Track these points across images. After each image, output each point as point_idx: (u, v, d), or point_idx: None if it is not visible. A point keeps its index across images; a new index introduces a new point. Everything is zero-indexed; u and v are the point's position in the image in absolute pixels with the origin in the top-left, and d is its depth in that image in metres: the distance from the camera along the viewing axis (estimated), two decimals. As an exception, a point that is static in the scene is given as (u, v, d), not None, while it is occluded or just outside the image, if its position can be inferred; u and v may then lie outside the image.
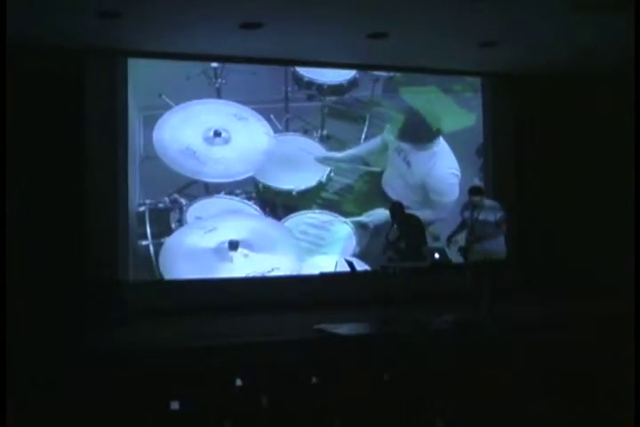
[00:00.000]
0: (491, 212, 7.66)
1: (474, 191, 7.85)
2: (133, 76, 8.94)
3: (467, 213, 7.79)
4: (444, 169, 10.14)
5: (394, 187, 9.94)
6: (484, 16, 7.55)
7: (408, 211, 8.55)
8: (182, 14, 7.37)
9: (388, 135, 10.00)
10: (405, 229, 8.01)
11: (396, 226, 8.11)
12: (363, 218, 9.78)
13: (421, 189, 10.02)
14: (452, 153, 10.18)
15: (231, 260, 9.23)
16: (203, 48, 8.74)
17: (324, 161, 9.73)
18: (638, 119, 8.95)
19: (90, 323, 7.67)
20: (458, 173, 10.17)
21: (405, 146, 10.03)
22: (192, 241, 9.14)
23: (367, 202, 9.85)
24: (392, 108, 10.06)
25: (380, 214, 9.66)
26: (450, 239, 7.87)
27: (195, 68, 9.25)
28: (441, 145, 10.15)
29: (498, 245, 7.67)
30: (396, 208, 8.23)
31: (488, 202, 7.91)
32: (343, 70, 9.90)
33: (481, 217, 7.61)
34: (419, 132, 10.11)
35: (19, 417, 3.77)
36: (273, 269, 9.35)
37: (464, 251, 7.73)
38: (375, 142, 9.97)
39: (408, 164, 10.02)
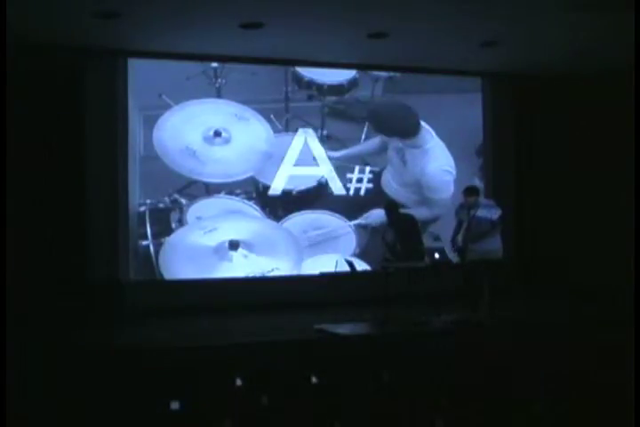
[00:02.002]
0: (487, 211, 7.67)
1: (468, 192, 7.84)
2: (133, 76, 8.93)
3: (462, 214, 7.79)
4: (438, 166, 10.13)
5: (392, 186, 9.95)
6: (484, 16, 7.54)
7: (405, 210, 8.52)
8: (182, 14, 7.37)
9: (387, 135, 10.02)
10: (399, 229, 8.00)
11: (389, 226, 8.12)
12: (361, 220, 9.78)
13: (417, 186, 10.02)
14: (446, 150, 10.16)
15: (231, 260, 9.23)
16: (203, 48, 8.74)
17: (323, 160, 9.72)
18: (638, 119, 8.95)
19: (90, 323, 7.68)
20: (452, 170, 10.16)
21: (402, 144, 10.04)
22: (192, 241, 9.13)
23: (367, 202, 9.85)
24: (391, 108, 10.06)
25: (379, 215, 9.67)
26: (453, 242, 7.88)
27: (195, 68, 9.25)
28: (434, 142, 10.14)
29: (494, 245, 7.67)
30: (390, 208, 8.22)
31: (484, 201, 7.91)
32: (343, 70, 9.90)
33: (477, 216, 7.61)
34: (413, 131, 10.11)
35: (19, 417, 3.77)
36: (273, 269, 9.35)
37: (461, 251, 7.73)
38: (375, 142, 9.97)
39: (404, 162, 10.03)
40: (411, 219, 8.23)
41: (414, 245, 7.94)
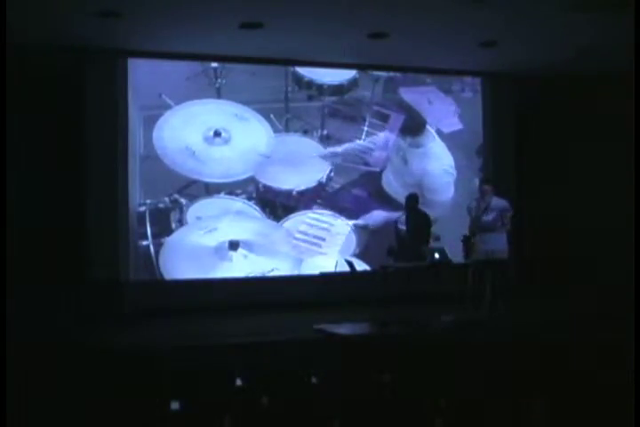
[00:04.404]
0: (498, 206, 7.75)
1: (486, 180, 8.12)
2: (133, 76, 8.94)
3: (474, 204, 7.84)
4: (439, 167, 10.14)
5: (393, 186, 9.95)
6: (484, 16, 7.55)
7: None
8: (182, 14, 7.37)
9: (388, 135, 10.00)
10: (412, 224, 8.05)
11: (404, 218, 8.17)
12: (361, 220, 9.78)
13: (418, 187, 10.00)
14: (447, 151, 10.18)
15: (231, 260, 9.23)
16: (203, 48, 8.74)
17: (325, 157, 9.71)
18: (638, 119, 8.95)
19: (90, 323, 7.68)
20: (453, 171, 10.17)
21: (403, 144, 10.04)
22: (192, 241, 9.13)
23: (367, 202, 9.85)
24: (392, 108, 10.07)
25: (379, 215, 9.68)
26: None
27: (195, 68, 9.25)
28: (436, 142, 10.15)
29: (500, 245, 7.71)
30: (411, 200, 8.28)
31: (496, 198, 7.96)
32: (343, 70, 9.90)
33: (488, 209, 7.70)
34: (416, 130, 10.11)
35: (19, 417, 3.76)
36: (273, 269, 9.35)
37: (468, 240, 7.75)
38: (375, 142, 9.97)
39: (405, 162, 10.03)
40: (425, 217, 8.29)
41: (420, 245, 7.97)
